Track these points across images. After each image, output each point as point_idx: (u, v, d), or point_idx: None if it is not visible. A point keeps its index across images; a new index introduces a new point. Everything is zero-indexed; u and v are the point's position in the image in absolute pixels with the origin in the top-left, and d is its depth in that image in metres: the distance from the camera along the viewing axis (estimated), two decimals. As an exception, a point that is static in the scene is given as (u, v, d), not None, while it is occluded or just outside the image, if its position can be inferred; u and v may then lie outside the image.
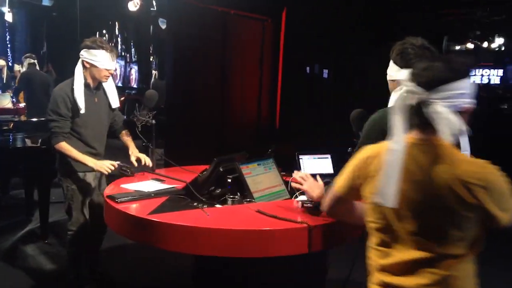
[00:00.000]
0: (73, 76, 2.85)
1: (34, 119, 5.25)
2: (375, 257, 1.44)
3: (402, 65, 1.73)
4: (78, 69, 2.83)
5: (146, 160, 2.95)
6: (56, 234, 4.17)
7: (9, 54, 10.91)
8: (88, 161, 2.80)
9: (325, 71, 10.78)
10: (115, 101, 3.04)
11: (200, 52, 7.16)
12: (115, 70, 2.98)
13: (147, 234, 2.04)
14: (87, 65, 2.80)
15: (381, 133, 1.61)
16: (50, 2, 9.61)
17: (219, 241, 1.92)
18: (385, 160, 1.30)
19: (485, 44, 14.03)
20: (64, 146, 2.80)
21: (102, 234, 3.15)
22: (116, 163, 2.81)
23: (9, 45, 11.50)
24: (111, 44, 3.04)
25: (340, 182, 1.53)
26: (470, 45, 14.74)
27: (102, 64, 2.79)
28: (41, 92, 6.43)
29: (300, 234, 1.96)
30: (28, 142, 4.25)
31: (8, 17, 9.49)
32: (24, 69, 6.76)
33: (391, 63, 1.80)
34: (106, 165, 2.78)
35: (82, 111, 2.80)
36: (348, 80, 10.60)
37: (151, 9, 9.70)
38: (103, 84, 2.97)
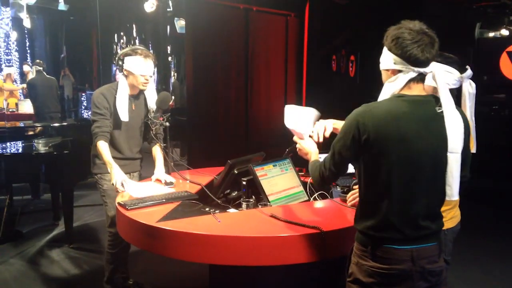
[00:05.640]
0: (114, 82, 2.88)
1: (56, 124, 5.32)
2: None
3: (397, 52, 1.55)
4: (121, 79, 2.84)
5: (167, 179, 2.78)
6: (81, 238, 4.19)
7: (29, 60, 11.14)
8: (110, 168, 2.68)
9: (351, 66, 10.52)
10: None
11: (222, 50, 7.09)
12: (152, 76, 2.85)
13: (155, 242, 1.97)
14: (126, 73, 2.81)
15: (357, 129, 1.53)
16: (66, 7, 9.74)
17: (229, 249, 1.83)
18: None
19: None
20: (98, 146, 2.74)
21: None
22: (124, 188, 2.61)
23: (28, 51, 11.75)
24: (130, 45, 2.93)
25: None
26: (504, 31, 14.13)
27: (137, 70, 2.77)
28: (46, 97, 6.77)
29: (313, 240, 1.85)
30: (44, 147, 4.30)
31: (27, 23, 9.63)
32: (31, 76, 7.05)
33: (385, 50, 1.61)
34: (117, 185, 2.62)
35: (125, 119, 2.79)
36: (375, 74, 10.29)
37: (168, 9, 9.69)
38: (146, 93, 2.94)
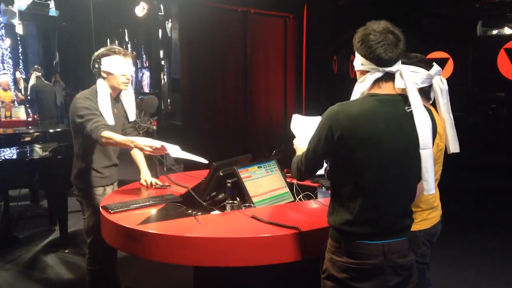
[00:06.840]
0: (92, 86, 2.71)
1: (51, 130, 5.35)
2: None
3: (363, 53, 1.58)
4: (100, 82, 2.66)
5: (152, 181, 2.81)
6: (75, 244, 4.20)
7: (21, 66, 11.23)
8: (132, 142, 2.42)
9: (351, 67, 10.51)
10: (132, 114, 2.87)
11: (220, 54, 7.07)
12: (133, 75, 2.76)
13: (137, 245, 1.97)
14: (104, 75, 2.64)
15: (330, 127, 1.53)
16: (56, 13, 9.75)
17: (208, 250, 1.82)
18: None
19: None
20: (105, 135, 2.46)
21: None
22: (155, 146, 2.41)
23: (21, 57, 11.84)
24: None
25: None
26: (508, 30, 14.02)
27: (117, 70, 2.61)
28: (50, 103, 6.92)
29: (292, 240, 1.84)
30: (42, 153, 4.33)
31: (19, 29, 9.69)
32: (32, 82, 7.15)
33: (356, 52, 1.64)
34: (147, 146, 2.39)
35: (112, 123, 2.62)
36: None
37: (159, 13, 9.72)
38: (122, 96, 2.83)
